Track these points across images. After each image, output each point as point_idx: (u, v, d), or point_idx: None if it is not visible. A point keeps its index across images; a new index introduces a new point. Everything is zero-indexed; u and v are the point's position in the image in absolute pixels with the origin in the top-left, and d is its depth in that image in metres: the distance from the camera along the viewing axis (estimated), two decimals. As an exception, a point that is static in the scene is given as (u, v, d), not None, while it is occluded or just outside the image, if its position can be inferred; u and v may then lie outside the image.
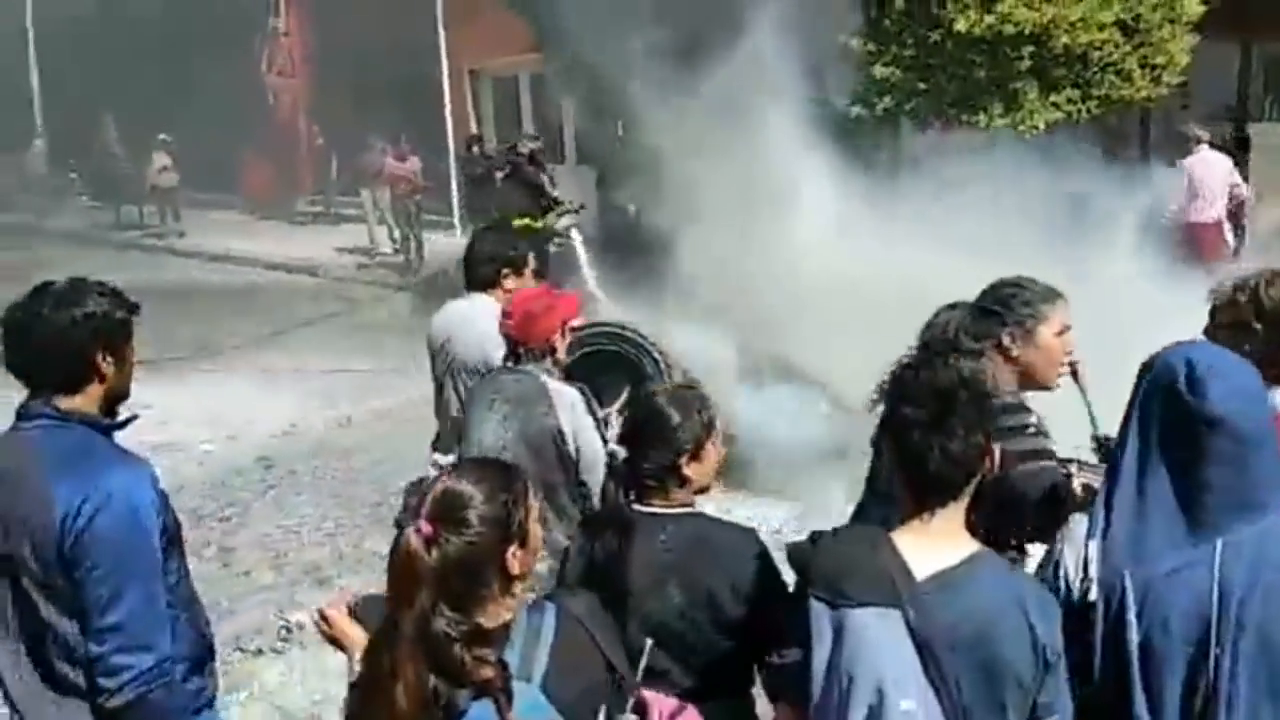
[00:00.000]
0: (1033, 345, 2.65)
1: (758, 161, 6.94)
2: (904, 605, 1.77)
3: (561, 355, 3.37)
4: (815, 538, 1.93)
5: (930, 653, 1.76)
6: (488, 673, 1.66)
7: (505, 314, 3.35)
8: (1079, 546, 1.91)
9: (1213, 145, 8.58)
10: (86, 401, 2.27)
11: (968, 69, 8.48)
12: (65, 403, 2.24)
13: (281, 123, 18.35)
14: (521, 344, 3.30)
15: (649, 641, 2.06)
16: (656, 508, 2.38)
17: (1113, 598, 1.86)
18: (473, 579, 1.71)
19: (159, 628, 2.19)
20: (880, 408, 1.99)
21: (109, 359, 2.27)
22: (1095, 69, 8.54)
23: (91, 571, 2.12)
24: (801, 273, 6.44)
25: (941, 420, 1.83)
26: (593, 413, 3.28)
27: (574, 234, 8.93)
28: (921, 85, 8.68)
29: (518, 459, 3.02)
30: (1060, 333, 2.68)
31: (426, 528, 1.68)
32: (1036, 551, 2.40)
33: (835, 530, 1.93)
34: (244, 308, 12.08)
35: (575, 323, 3.48)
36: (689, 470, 2.38)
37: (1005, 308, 2.66)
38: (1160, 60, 8.71)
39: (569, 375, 3.48)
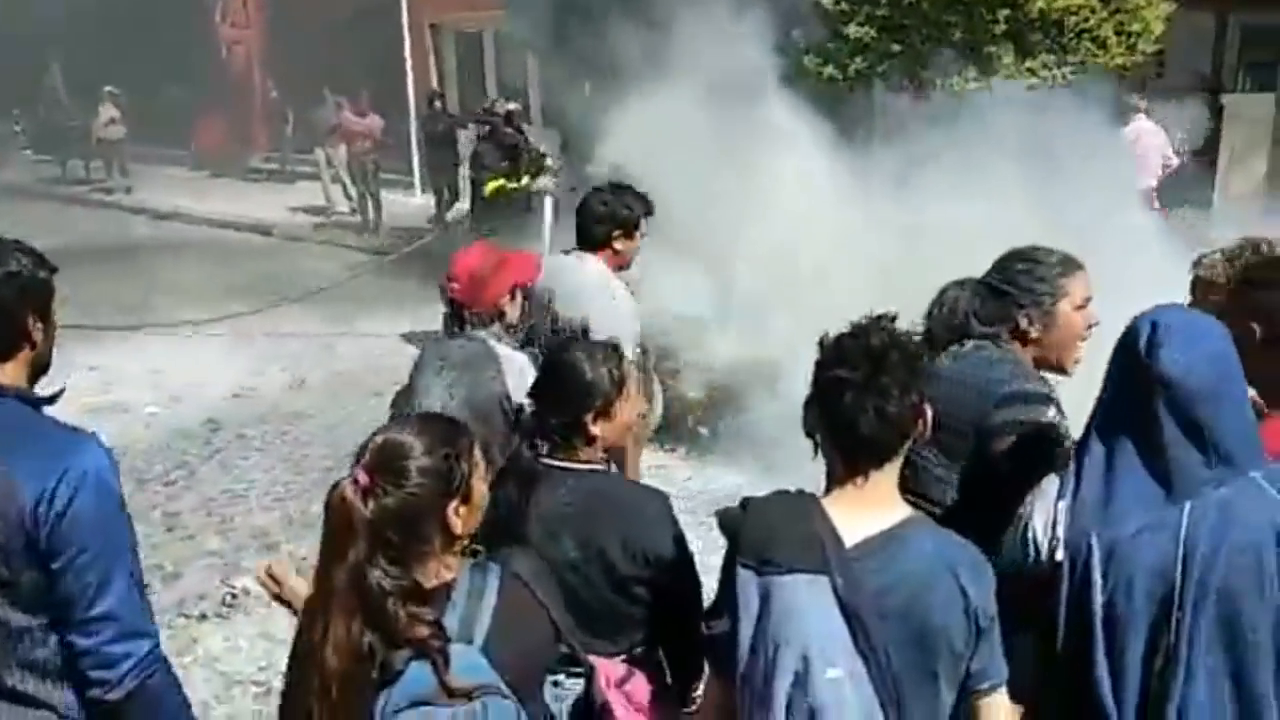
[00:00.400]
0: (1054, 325, 2.46)
1: (730, 124, 6.75)
2: (832, 572, 1.75)
3: (513, 319, 3.25)
4: (745, 504, 1.88)
5: (859, 620, 1.73)
6: (423, 631, 1.62)
7: (449, 276, 3.21)
8: (1049, 507, 1.91)
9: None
10: (16, 371, 2.04)
11: (942, 31, 8.33)
12: (5, 374, 2.02)
13: (235, 76, 17.82)
14: (466, 307, 3.18)
15: None
16: (561, 462, 2.35)
17: (1078, 558, 1.85)
18: (411, 533, 1.67)
19: (146, 609, 2.05)
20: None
21: (38, 323, 2.05)
22: (1071, 35, 8.43)
23: (76, 559, 1.93)
24: (778, 239, 6.28)
25: (873, 381, 1.80)
26: None
27: (547, 199, 8.71)
28: (895, 47, 8.51)
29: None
30: (1081, 306, 2.48)
31: (364, 478, 1.65)
32: None
33: (765, 496, 1.88)
34: (192, 267, 11.70)
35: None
36: (595, 428, 2.35)
37: (1017, 287, 2.46)
38: (1136, 28, 8.63)
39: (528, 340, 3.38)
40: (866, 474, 1.84)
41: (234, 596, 4.77)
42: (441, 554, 1.72)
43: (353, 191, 13.90)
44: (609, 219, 3.76)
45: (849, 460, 1.85)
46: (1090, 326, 2.51)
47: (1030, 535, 1.91)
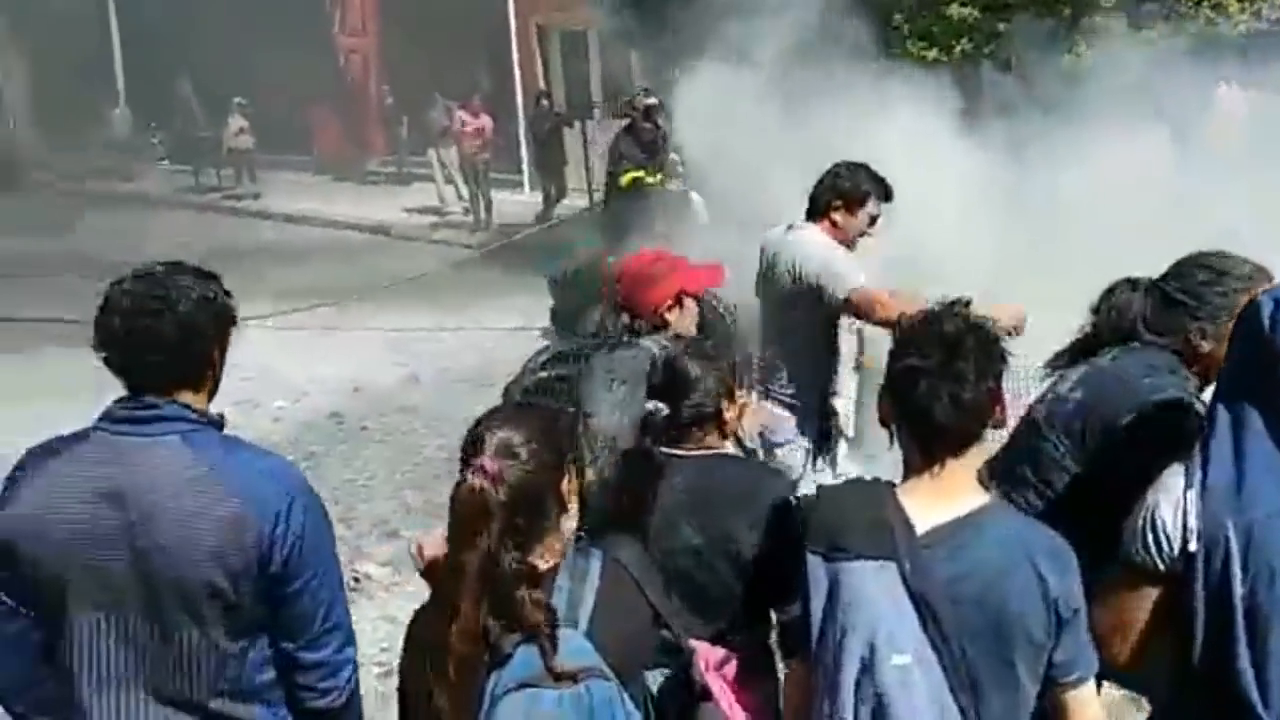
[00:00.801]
0: (1225, 341, 2.29)
1: (836, 110, 6.70)
2: (900, 558, 1.74)
3: (681, 329, 3.07)
4: (820, 491, 1.90)
5: (928, 607, 1.72)
6: (539, 616, 1.67)
7: (615, 278, 3.12)
8: (1177, 497, 1.81)
9: None
10: (202, 399, 2.03)
11: (1049, 7, 8.11)
12: (196, 401, 2.00)
13: (352, 83, 18.48)
14: (627, 311, 3.04)
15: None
16: (683, 450, 2.38)
17: (1215, 549, 1.76)
18: (535, 512, 1.73)
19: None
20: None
21: (221, 354, 2.06)
22: (1188, 2, 8.10)
23: (311, 580, 1.97)
24: (906, 225, 6.15)
25: (949, 367, 1.78)
26: None
27: (693, 196, 8.27)
28: (1001, 26, 8.33)
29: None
30: None
31: (491, 464, 1.70)
32: None
33: (839, 484, 1.91)
34: (317, 268, 12.26)
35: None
36: (729, 414, 2.39)
37: (1197, 299, 2.31)
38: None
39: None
40: (943, 462, 1.82)
41: (357, 580, 5.03)
42: (556, 530, 1.78)
43: (464, 191, 14.28)
44: (829, 189, 3.66)
45: (925, 449, 1.84)
46: None
47: (1160, 526, 1.82)
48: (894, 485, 1.88)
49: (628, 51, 13.15)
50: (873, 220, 3.69)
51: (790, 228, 3.78)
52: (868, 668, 1.73)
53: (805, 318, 3.75)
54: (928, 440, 1.84)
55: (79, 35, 20.83)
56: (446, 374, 8.19)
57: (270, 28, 17.90)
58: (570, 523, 1.82)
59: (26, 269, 11.73)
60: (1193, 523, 1.78)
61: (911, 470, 1.87)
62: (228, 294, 2.08)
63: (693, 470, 2.34)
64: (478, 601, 1.65)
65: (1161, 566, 1.81)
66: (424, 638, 1.73)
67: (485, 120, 13.99)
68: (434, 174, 14.98)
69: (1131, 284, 2.47)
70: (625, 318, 3.05)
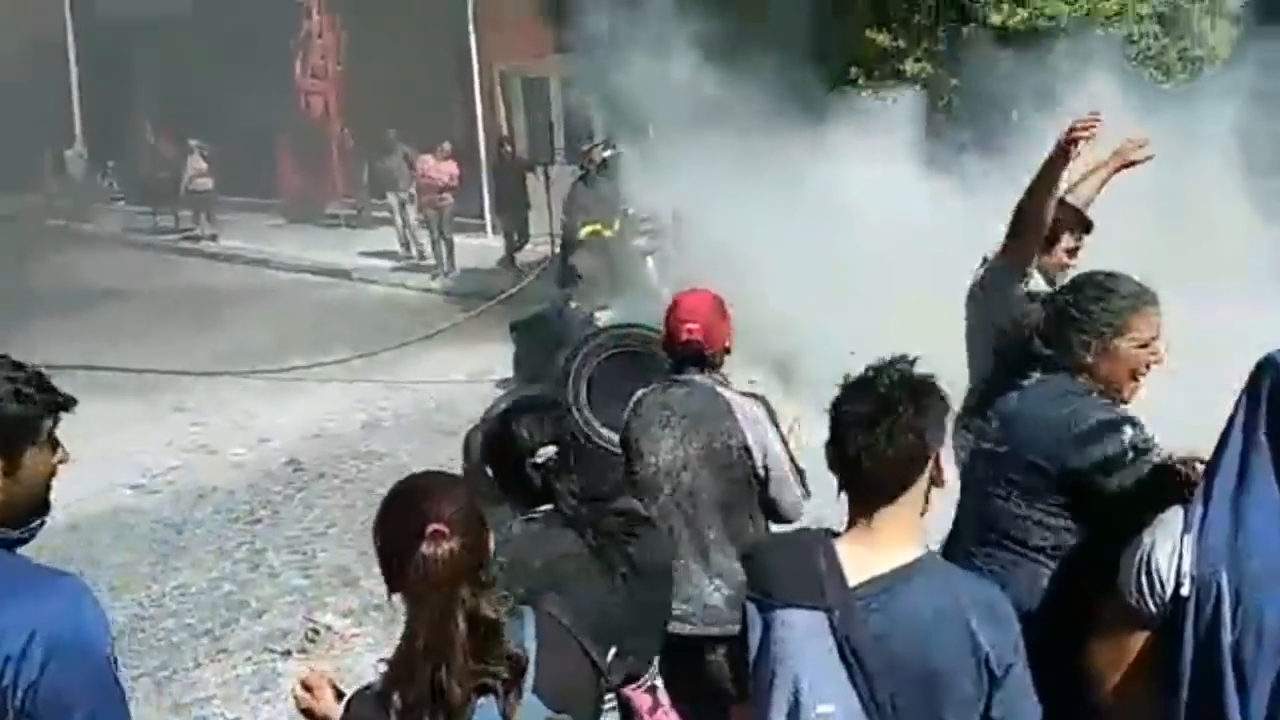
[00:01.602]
0: (1110, 358, 2.40)
1: (804, 164, 6.81)
2: (830, 608, 1.76)
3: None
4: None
5: (856, 658, 1.74)
6: (512, 671, 1.71)
7: (681, 318, 3.05)
8: (1174, 539, 1.80)
9: None
10: None
11: (1000, 64, 8.36)
12: None
13: (314, 125, 18.48)
14: (704, 348, 3.04)
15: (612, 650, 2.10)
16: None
17: (1206, 595, 1.75)
18: (483, 565, 1.78)
19: None
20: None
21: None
22: (1133, 62, 8.39)
23: None
24: (868, 281, 6.21)
25: (876, 419, 1.82)
26: (776, 425, 3.04)
27: (650, 258, 8.30)
28: (954, 81, 8.57)
29: (699, 479, 2.94)
30: (1144, 344, 2.42)
31: (444, 528, 1.74)
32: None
33: (781, 534, 1.96)
34: (273, 312, 12.17)
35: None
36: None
37: (1086, 314, 2.42)
38: (1200, 53, 8.55)
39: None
40: (873, 513, 1.85)
41: (316, 632, 4.97)
42: (490, 590, 1.80)
43: (418, 237, 14.23)
44: (1060, 220, 3.48)
45: (856, 499, 1.87)
46: (1149, 365, 2.44)
47: (1154, 569, 1.81)
48: (834, 535, 1.90)
49: (588, 99, 13.34)
50: (1070, 253, 3.62)
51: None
52: (793, 714, 1.75)
53: None
54: (857, 490, 1.87)
55: (36, 71, 20.67)
56: (406, 420, 8.15)
57: (232, 69, 17.90)
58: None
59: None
60: (1186, 568, 1.77)
61: (849, 519, 1.90)
62: (43, 402, 1.81)
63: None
64: (468, 655, 1.69)
65: (1154, 609, 1.81)
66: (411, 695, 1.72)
67: (450, 166, 14.05)
68: (394, 217, 14.96)
69: (1030, 298, 2.60)
70: (681, 353, 3.04)
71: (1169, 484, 2.21)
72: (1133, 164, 3.70)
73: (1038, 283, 3.48)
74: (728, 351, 3.11)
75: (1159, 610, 1.81)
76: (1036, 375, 2.48)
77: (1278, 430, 1.78)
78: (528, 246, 13.76)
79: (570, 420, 2.69)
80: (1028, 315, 2.55)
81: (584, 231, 8.67)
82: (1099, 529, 2.28)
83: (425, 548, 1.71)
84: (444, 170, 13.85)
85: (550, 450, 2.44)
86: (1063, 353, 2.44)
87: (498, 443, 2.48)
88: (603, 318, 7.12)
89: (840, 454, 1.87)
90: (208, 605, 5.35)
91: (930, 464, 1.87)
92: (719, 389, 3.04)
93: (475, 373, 9.03)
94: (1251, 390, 1.83)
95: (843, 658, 1.75)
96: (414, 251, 14.40)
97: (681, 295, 3.16)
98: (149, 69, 19.50)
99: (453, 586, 1.70)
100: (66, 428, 1.93)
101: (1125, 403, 2.45)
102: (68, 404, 1.85)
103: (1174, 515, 1.85)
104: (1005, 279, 3.34)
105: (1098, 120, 3.11)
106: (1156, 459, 2.30)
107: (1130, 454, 2.28)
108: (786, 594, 1.81)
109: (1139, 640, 1.86)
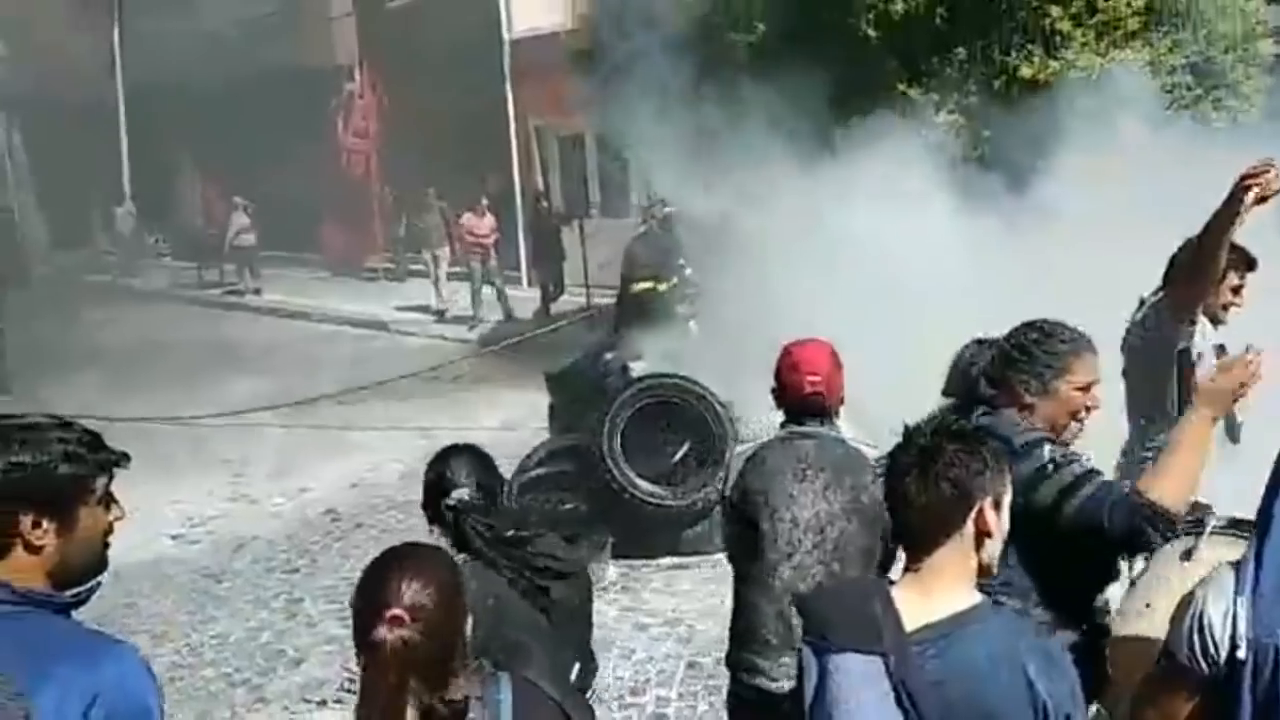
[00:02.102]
0: (1050, 398, 2.52)
1: (838, 211, 6.82)
2: (886, 652, 1.78)
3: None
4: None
5: (912, 702, 1.75)
6: None
7: (807, 373, 3.00)
8: (1227, 599, 1.79)
9: None
10: (23, 573, 1.77)
11: (1030, 116, 8.39)
12: (16, 579, 1.76)
13: (355, 183, 18.90)
14: (826, 399, 3.01)
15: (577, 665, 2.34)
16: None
17: (1264, 659, 1.74)
18: (449, 654, 1.74)
19: None
20: None
21: (43, 524, 1.77)
22: (1169, 110, 8.38)
23: None
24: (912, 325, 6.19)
25: (910, 470, 1.87)
26: None
27: (692, 325, 8.35)
28: (985, 133, 8.60)
29: (846, 532, 2.90)
30: (1082, 388, 2.53)
31: (404, 614, 1.69)
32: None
33: (838, 580, 1.98)
34: (314, 364, 12.36)
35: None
36: None
37: (1027, 356, 2.53)
38: (1234, 103, 8.53)
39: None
40: (921, 559, 1.88)
41: (353, 682, 4.96)
42: (467, 665, 1.80)
43: (446, 290, 14.38)
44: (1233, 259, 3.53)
45: (906, 546, 1.92)
46: (1088, 409, 2.54)
47: (1208, 629, 1.80)
48: (891, 582, 1.94)
49: (623, 156, 13.54)
50: (1235, 290, 3.65)
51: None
52: None
53: None
54: (905, 538, 1.93)
55: (87, 133, 21.34)
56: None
57: (276, 128, 18.38)
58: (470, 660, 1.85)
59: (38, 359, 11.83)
60: (1242, 629, 1.75)
61: (905, 566, 1.94)
62: (95, 461, 1.83)
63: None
64: None
65: (1208, 670, 1.80)
66: None
67: (490, 221, 14.27)
68: (430, 271, 15.14)
69: (979, 343, 2.66)
70: (795, 405, 3.02)
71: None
72: (1266, 198, 3.60)
73: (1204, 327, 3.56)
74: (842, 402, 3.09)
75: (1213, 672, 1.80)
76: (977, 414, 2.58)
77: None
78: (564, 296, 13.92)
79: (498, 471, 2.84)
80: (974, 358, 2.66)
81: (639, 287, 8.77)
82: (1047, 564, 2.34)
83: (379, 632, 1.67)
84: (484, 225, 14.09)
85: (463, 493, 2.62)
86: (1005, 393, 2.54)
87: (427, 482, 2.65)
88: (637, 368, 7.16)
89: (890, 503, 1.94)
90: (245, 654, 5.40)
91: (973, 512, 1.87)
92: (851, 441, 3.03)
93: (510, 422, 9.09)
94: None
95: (899, 703, 1.76)
96: (446, 304, 14.55)
97: (795, 346, 3.07)
98: (196, 130, 20.06)
99: (402, 676, 1.66)
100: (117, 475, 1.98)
101: (1066, 444, 2.52)
102: (120, 461, 1.88)
103: (1226, 574, 1.83)
104: (1167, 321, 3.41)
105: (1272, 166, 3.14)
106: (1080, 469, 2.38)
107: (1050, 466, 2.38)
108: (843, 639, 1.82)
109: (1187, 704, 1.85)
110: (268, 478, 8.25)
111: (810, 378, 2.98)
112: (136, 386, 10.67)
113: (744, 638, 3.01)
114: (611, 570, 6.08)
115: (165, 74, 19.90)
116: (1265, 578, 1.76)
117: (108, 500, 1.86)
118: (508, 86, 16.31)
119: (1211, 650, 1.79)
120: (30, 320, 13.92)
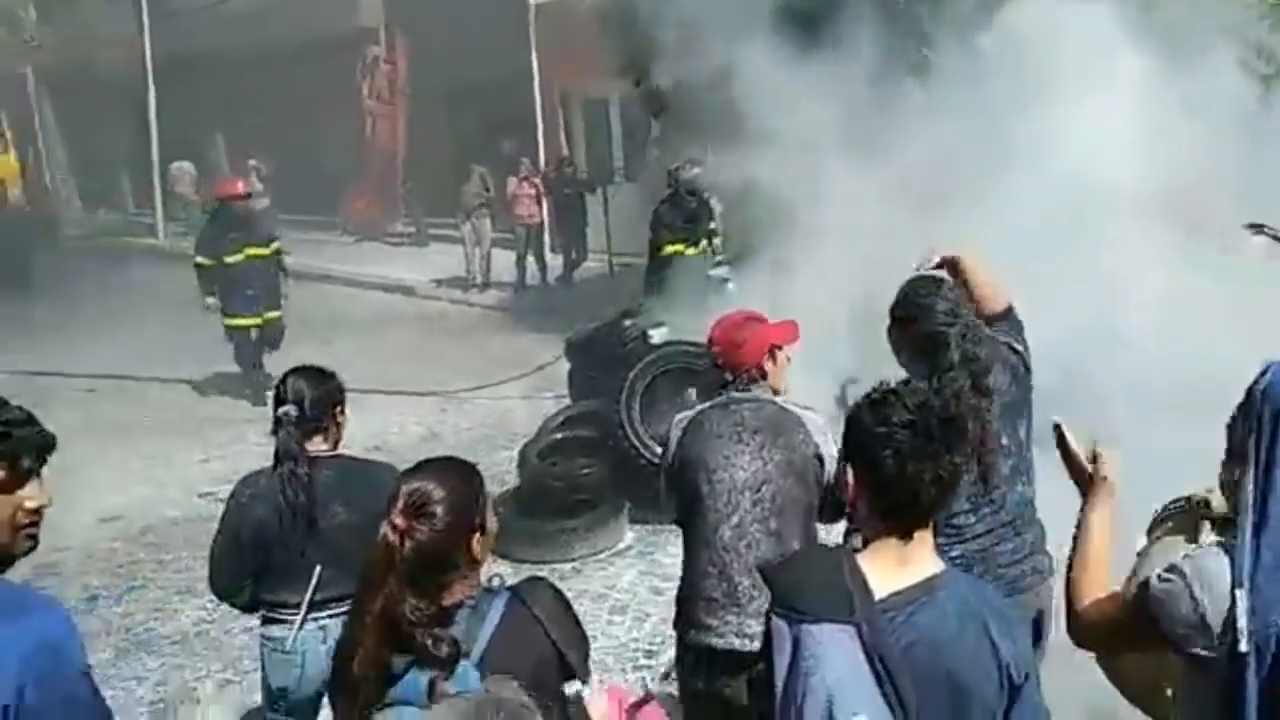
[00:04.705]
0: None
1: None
2: (858, 622, 1.80)
3: (775, 383, 3.19)
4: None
5: (885, 669, 1.78)
6: (441, 650, 1.82)
7: (709, 341, 3.26)
8: (1218, 589, 1.78)
9: None
10: None
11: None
12: None
13: (379, 147, 18.91)
14: (727, 368, 3.18)
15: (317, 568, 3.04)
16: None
17: (1266, 646, 1.74)
18: (441, 565, 1.89)
19: None
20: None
21: None
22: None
23: None
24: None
25: (933, 450, 1.87)
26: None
27: (731, 286, 8.17)
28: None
29: (782, 490, 3.00)
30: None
31: (401, 521, 1.86)
32: None
33: (803, 550, 2.00)
34: (338, 328, 12.45)
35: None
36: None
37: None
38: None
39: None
40: (912, 532, 1.90)
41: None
42: (465, 578, 1.94)
43: (475, 256, 14.33)
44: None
45: (900, 520, 1.91)
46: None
47: (1209, 623, 1.78)
48: (855, 550, 1.96)
49: (648, 120, 13.46)
50: None
51: None
52: None
53: None
54: (906, 513, 1.90)
55: (117, 99, 21.46)
56: (465, 434, 8.29)
57: (300, 94, 18.41)
58: (481, 571, 1.99)
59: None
60: (1243, 623, 1.74)
61: (878, 537, 1.93)
62: (15, 440, 1.88)
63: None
64: (381, 641, 1.82)
65: (1215, 655, 1.79)
66: (341, 665, 1.91)
67: (537, 185, 14.20)
68: (464, 240, 14.89)
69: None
70: (727, 375, 3.18)
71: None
72: None
73: None
74: (763, 372, 3.17)
75: (1218, 654, 1.78)
76: None
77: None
78: (586, 264, 13.92)
79: (342, 389, 3.51)
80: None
81: (665, 250, 8.74)
82: None
83: (380, 532, 1.86)
84: (528, 189, 14.05)
85: (290, 408, 3.25)
86: None
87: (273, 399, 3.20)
88: (656, 335, 7.18)
89: (886, 480, 1.88)
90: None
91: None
92: (786, 405, 3.12)
93: (531, 389, 9.15)
94: (1249, 418, 1.81)
95: (872, 669, 1.79)
96: (477, 270, 14.50)
97: (716, 324, 3.27)
98: (223, 96, 20.13)
99: (384, 574, 1.83)
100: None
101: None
102: (43, 445, 1.93)
103: (1217, 563, 1.80)
104: None
105: None
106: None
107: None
108: (815, 609, 1.83)
109: (1207, 687, 1.82)
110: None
111: (712, 347, 3.22)
112: (163, 348, 10.80)
113: (690, 597, 3.10)
114: (628, 534, 6.15)
115: (193, 41, 19.93)
116: (1262, 566, 1.75)
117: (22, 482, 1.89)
118: (533, 50, 16.22)
119: (1216, 640, 1.77)
120: (59, 283, 14.12)
